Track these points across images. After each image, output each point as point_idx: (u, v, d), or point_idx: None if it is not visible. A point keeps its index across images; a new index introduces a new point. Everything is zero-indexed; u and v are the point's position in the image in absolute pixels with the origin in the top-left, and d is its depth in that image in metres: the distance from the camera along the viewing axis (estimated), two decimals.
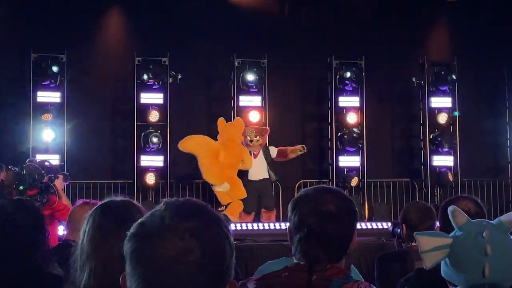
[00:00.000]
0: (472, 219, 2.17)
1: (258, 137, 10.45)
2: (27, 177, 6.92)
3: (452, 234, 2.15)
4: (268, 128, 10.82)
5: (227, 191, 10.33)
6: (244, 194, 10.29)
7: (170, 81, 11.71)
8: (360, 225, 10.03)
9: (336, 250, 2.50)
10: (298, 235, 2.51)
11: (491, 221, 2.17)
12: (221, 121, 10.53)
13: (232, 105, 11.93)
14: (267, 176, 10.50)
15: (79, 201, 4.39)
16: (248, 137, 10.44)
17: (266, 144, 10.61)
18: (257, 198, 10.49)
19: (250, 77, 11.75)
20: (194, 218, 1.48)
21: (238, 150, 10.33)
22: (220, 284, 1.49)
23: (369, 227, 9.78)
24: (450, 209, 2.15)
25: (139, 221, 1.52)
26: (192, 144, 10.34)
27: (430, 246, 2.11)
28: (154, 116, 11.56)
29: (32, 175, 6.98)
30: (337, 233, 2.48)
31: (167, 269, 1.43)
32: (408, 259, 4.42)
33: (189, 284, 1.44)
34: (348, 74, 12.02)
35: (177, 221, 1.47)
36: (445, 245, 2.11)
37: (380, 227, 9.85)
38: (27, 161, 7.57)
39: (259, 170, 10.45)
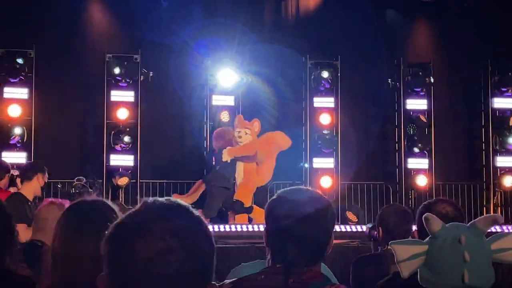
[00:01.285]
0: (450, 222, 2.20)
1: None
2: None
3: (427, 239, 2.16)
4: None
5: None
6: None
7: (142, 78, 11.50)
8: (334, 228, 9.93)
9: (313, 252, 2.44)
10: (275, 238, 2.46)
11: (465, 225, 2.19)
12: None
13: (205, 104, 11.76)
14: None
15: (46, 201, 4.31)
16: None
17: None
18: None
19: (224, 76, 11.60)
20: (175, 219, 1.45)
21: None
22: (201, 285, 1.47)
23: (343, 230, 9.68)
24: (424, 216, 2.16)
25: (117, 221, 1.49)
26: None
27: (407, 255, 2.13)
28: (124, 114, 11.33)
29: None
30: (314, 236, 2.42)
31: (147, 270, 1.41)
32: (384, 262, 4.41)
33: (169, 285, 1.42)
34: (326, 74, 11.89)
35: (157, 221, 1.44)
36: (421, 252, 2.13)
37: (354, 230, 9.76)
38: None
39: None
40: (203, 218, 1.51)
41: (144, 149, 11.46)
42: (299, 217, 2.40)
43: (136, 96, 11.46)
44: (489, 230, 2.16)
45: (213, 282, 1.51)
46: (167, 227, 1.43)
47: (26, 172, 6.95)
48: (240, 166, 10.25)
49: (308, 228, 2.41)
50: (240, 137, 10.23)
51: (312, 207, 2.43)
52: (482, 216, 2.19)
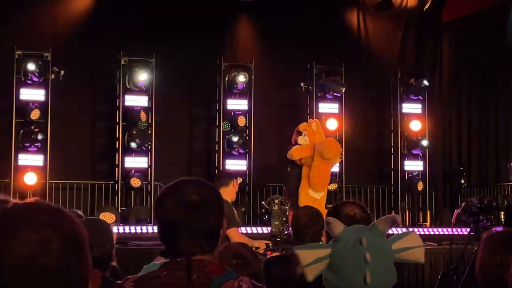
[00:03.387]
0: (358, 224, 2.26)
1: None
2: None
3: (330, 243, 2.20)
4: None
5: None
6: None
7: (53, 77, 11.25)
8: (246, 229, 9.96)
9: (206, 240, 2.41)
10: (166, 232, 2.42)
11: (366, 227, 2.21)
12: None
13: (118, 104, 11.63)
14: None
15: None
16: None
17: None
18: None
19: (142, 76, 11.48)
20: (43, 214, 1.43)
21: None
22: (83, 271, 1.45)
23: (254, 231, 9.72)
24: (326, 220, 2.19)
25: None
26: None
27: (311, 259, 2.14)
28: (34, 114, 11.06)
29: None
30: (205, 223, 2.39)
31: (29, 266, 1.37)
32: (291, 263, 4.44)
33: (54, 275, 1.39)
34: (242, 78, 11.91)
35: (26, 219, 1.41)
36: (324, 255, 2.15)
37: (265, 231, 9.80)
38: None
39: None
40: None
41: (54, 149, 11.22)
42: (187, 207, 2.37)
43: (46, 95, 11.20)
44: (390, 232, 2.21)
45: (95, 269, 1.50)
46: (36, 222, 1.41)
47: (223, 178, 7.63)
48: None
49: (197, 216, 2.38)
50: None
51: (198, 194, 2.40)
52: (382, 217, 2.22)
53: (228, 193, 7.18)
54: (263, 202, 9.88)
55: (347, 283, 2.11)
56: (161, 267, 2.41)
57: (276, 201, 9.50)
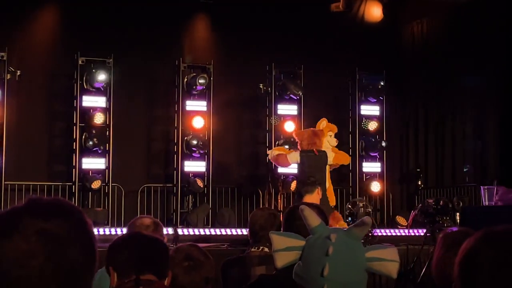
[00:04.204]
0: None
1: None
2: None
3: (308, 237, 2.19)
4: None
5: None
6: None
7: (9, 77, 11.10)
8: (204, 231, 9.95)
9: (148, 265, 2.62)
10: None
11: (344, 229, 2.20)
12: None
13: (75, 105, 11.52)
14: None
15: None
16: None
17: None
18: None
19: (100, 77, 11.39)
20: (54, 220, 1.40)
21: None
22: None
23: (213, 233, 9.71)
24: (301, 208, 2.16)
25: None
26: None
27: (282, 246, 2.14)
28: None
29: None
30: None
31: (9, 272, 1.36)
32: (246, 264, 4.46)
33: None
34: (202, 80, 11.88)
35: (32, 221, 1.39)
36: (297, 246, 2.14)
37: (224, 233, 9.82)
38: None
39: None
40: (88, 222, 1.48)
41: (10, 150, 11.08)
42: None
43: (2, 95, 11.05)
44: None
45: None
46: (38, 228, 1.38)
47: (308, 186, 7.88)
48: None
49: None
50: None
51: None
52: (357, 222, 2.21)
53: (313, 200, 7.41)
54: (348, 205, 10.09)
55: (308, 274, 2.10)
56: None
57: (361, 204, 9.65)
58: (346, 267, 2.10)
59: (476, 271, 1.81)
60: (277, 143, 12.34)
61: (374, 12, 13.20)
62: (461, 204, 10.87)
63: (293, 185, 12.18)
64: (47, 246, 1.37)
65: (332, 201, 9.83)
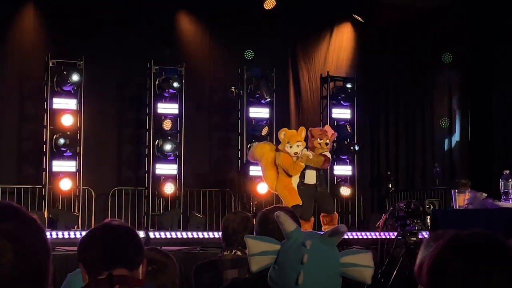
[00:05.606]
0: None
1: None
2: None
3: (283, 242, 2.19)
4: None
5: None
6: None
7: None
8: (176, 234, 9.92)
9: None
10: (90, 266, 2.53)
11: (320, 233, 2.22)
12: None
13: (45, 107, 11.42)
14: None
15: None
16: (319, 140, 10.39)
17: None
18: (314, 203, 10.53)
19: (71, 79, 11.32)
20: (7, 220, 1.40)
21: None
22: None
23: (185, 236, 9.69)
24: (276, 214, 2.18)
25: None
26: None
27: (256, 250, 2.14)
28: None
29: None
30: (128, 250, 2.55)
31: None
32: (219, 267, 4.48)
33: (2, 286, 1.36)
34: (175, 84, 11.83)
35: None
36: (271, 250, 2.14)
37: (197, 236, 9.80)
38: None
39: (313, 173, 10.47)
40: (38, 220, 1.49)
41: None
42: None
43: None
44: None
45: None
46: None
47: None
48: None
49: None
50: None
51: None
52: (333, 227, 2.22)
53: None
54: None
55: (283, 281, 2.11)
56: (86, 285, 2.49)
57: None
58: (321, 275, 2.11)
59: (444, 279, 1.82)
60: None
61: None
62: (431, 207, 10.94)
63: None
64: (15, 243, 1.37)
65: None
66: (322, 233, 2.21)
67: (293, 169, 10.21)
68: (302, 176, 10.42)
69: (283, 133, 10.32)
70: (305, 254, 2.07)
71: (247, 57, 12.99)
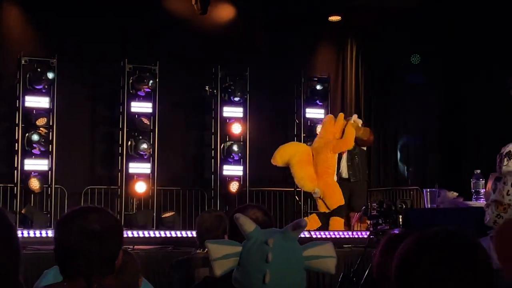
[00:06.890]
0: (261, 228, 2.22)
1: None
2: None
3: (244, 242, 2.20)
4: None
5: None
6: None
7: None
8: (149, 233, 9.89)
9: (101, 268, 2.52)
10: (63, 254, 2.53)
11: (279, 230, 2.22)
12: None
13: (17, 105, 11.34)
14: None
15: None
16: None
17: None
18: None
19: (44, 77, 11.26)
20: None
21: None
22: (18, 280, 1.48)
23: (157, 235, 9.66)
24: (236, 217, 2.19)
25: None
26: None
27: (219, 254, 2.15)
28: None
29: None
30: (101, 252, 2.51)
31: None
32: (191, 266, 4.50)
33: None
34: (150, 83, 11.81)
35: None
36: (234, 253, 2.16)
37: (168, 235, 9.77)
38: None
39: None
40: (9, 222, 1.49)
41: None
42: (87, 234, 2.49)
43: None
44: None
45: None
46: None
47: None
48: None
49: (94, 245, 2.50)
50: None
51: (99, 224, 2.52)
52: (293, 222, 2.24)
53: None
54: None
55: (249, 281, 2.12)
56: (61, 282, 2.49)
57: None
58: (286, 271, 2.13)
59: (412, 276, 1.85)
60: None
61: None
62: (403, 206, 11.02)
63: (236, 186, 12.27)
64: None
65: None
66: (282, 230, 2.23)
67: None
68: (338, 169, 10.65)
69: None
70: (269, 252, 2.09)
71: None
